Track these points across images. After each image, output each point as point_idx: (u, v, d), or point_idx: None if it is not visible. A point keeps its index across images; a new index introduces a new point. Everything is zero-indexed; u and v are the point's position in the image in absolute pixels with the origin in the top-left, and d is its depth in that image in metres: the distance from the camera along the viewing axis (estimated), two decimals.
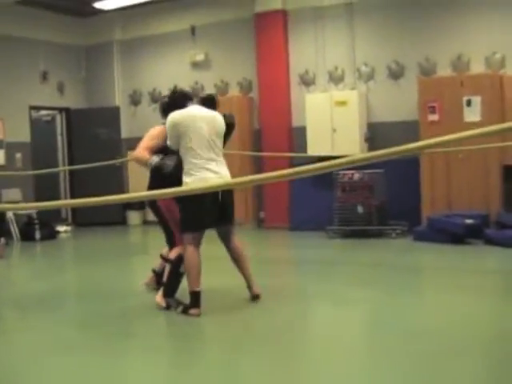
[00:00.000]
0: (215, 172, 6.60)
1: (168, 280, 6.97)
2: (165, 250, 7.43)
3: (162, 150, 6.91)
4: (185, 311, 6.68)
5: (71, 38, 16.03)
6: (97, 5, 14.61)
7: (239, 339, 6.08)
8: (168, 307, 6.88)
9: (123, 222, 15.59)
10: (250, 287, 7.11)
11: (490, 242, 10.25)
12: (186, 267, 6.73)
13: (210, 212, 6.66)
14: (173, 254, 7.01)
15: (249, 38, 13.92)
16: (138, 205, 15.27)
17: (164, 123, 6.97)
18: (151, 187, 6.97)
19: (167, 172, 6.65)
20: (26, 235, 13.49)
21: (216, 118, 6.90)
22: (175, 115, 6.71)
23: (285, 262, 10.44)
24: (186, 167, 6.63)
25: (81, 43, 16.29)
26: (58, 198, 15.57)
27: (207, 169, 6.57)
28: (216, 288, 7.67)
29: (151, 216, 15.22)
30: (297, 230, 12.80)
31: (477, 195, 11.11)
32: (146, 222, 15.50)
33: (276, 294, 7.37)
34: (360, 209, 11.72)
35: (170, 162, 6.71)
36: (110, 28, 15.99)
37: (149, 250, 12.84)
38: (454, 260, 9.54)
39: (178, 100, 6.96)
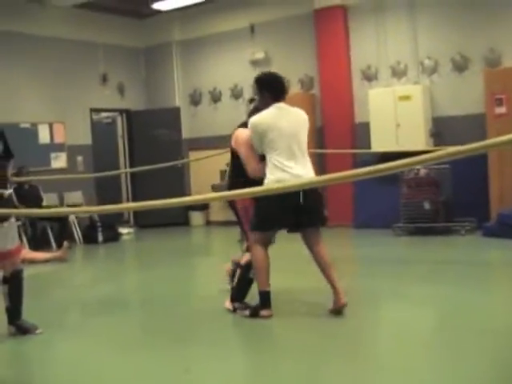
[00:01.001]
0: (293, 174, 6.25)
1: (237, 285, 6.83)
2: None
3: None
4: (255, 313, 6.51)
5: (130, 40, 16.07)
6: (155, 6, 14.56)
7: (312, 344, 5.88)
8: (235, 310, 6.74)
9: (186, 222, 15.52)
10: (334, 297, 6.53)
11: None
12: (254, 267, 6.56)
13: (282, 214, 6.37)
14: (244, 259, 6.84)
15: (309, 34, 13.75)
16: (201, 205, 15.22)
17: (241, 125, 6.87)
18: (233, 188, 6.62)
19: None
20: (89, 238, 13.50)
21: (299, 114, 6.68)
22: (255, 119, 6.51)
23: (354, 262, 10.24)
24: (267, 167, 6.41)
25: (140, 45, 16.32)
26: (119, 200, 15.58)
27: (284, 170, 6.27)
28: (290, 289, 7.51)
29: (214, 216, 15.37)
30: (361, 227, 12.58)
31: None
32: (208, 223, 15.45)
33: (348, 294, 7.13)
34: (427, 205, 11.47)
35: None
36: (169, 28, 15.97)
37: (213, 251, 12.78)
38: None
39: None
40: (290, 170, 6.30)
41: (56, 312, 7.50)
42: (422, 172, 11.55)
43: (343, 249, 11.37)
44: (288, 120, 6.50)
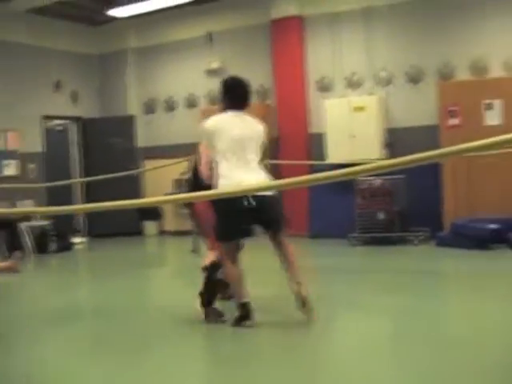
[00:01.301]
0: (237, 180, 6.16)
1: (205, 288, 6.77)
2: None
3: None
4: (237, 323, 6.42)
5: (84, 47, 15.91)
6: (110, 12, 14.42)
7: (269, 355, 5.87)
8: (206, 317, 6.68)
9: (139, 232, 15.39)
10: (296, 293, 6.48)
11: None
12: (229, 283, 6.62)
13: (239, 220, 6.31)
14: (206, 261, 6.83)
15: (265, 44, 13.75)
16: (155, 215, 15.11)
17: None
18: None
19: None
20: (41, 247, 13.29)
21: (253, 124, 6.61)
22: (205, 122, 6.52)
23: (310, 271, 10.17)
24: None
25: (94, 52, 16.17)
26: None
27: (227, 177, 6.23)
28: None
29: (167, 226, 15.25)
30: (316, 237, 12.61)
31: (500, 199, 10.89)
32: (162, 233, 15.34)
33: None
34: (381, 215, 11.53)
35: None
36: (124, 36, 15.84)
37: (166, 261, 12.66)
38: (480, 265, 9.36)
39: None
40: (235, 177, 6.23)
41: (7, 324, 7.35)
42: (377, 182, 11.60)
43: (301, 259, 11.27)
44: (240, 127, 6.44)
